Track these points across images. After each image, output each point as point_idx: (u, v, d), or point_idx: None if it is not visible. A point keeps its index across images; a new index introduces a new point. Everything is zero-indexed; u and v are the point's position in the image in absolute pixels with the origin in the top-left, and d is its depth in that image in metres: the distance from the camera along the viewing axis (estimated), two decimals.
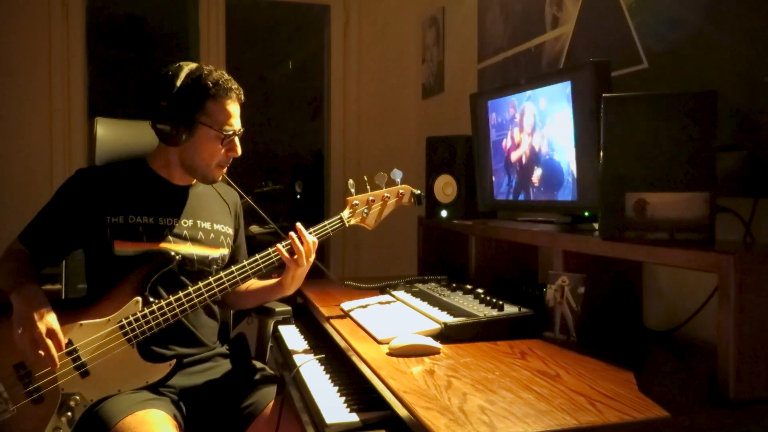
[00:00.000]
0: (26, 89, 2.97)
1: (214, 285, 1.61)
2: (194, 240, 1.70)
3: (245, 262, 1.64)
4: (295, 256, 1.64)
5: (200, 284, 1.60)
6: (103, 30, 3.55)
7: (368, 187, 1.78)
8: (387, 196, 1.79)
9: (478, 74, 2.71)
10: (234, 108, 1.66)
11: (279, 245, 1.65)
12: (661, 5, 1.65)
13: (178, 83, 1.61)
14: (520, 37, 2.37)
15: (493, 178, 2.05)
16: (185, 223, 1.71)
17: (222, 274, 1.62)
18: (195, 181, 1.76)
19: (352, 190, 1.76)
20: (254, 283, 1.84)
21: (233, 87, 1.65)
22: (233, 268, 1.63)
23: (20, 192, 2.93)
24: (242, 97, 1.69)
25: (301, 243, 1.65)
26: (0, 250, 1.68)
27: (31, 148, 2.98)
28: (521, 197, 1.92)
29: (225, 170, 1.73)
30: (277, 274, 1.77)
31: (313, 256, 1.68)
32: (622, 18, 1.78)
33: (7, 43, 2.93)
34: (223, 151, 1.66)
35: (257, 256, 1.65)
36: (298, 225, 1.67)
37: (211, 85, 1.61)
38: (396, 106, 3.50)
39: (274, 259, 1.65)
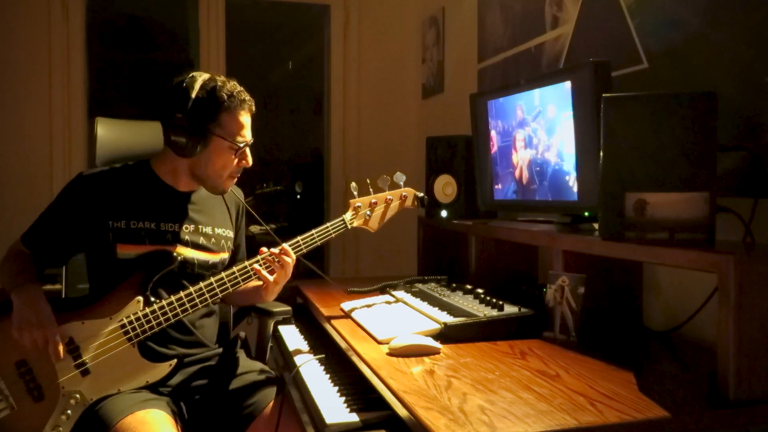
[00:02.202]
0: (26, 89, 2.97)
1: (215, 285, 1.61)
2: (195, 245, 1.71)
3: (247, 263, 1.64)
4: (274, 277, 1.63)
5: (201, 284, 1.60)
6: (103, 30, 3.56)
7: (371, 189, 1.77)
8: (390, 199, 1.79)
9: (478, 74, 2.71)
10: (246, 119, 1.66)
11: (256, 265, 1.62)
12: (661, 5, 1.65)
13: (193, 95, 1.60)
14: (520, 37, 2.37)
15: (493, 178, 2.05)
16: (187, 228, 1.71)
17: (223, 274, 1.62)
18: (199, 186, 1.76)
19: (355, 193, 1.76)
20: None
21: (246, 99, 1.65)
22: (234, 268, 1.63)
23: (20, 192, 2.93)
24: (254, 109, 1.69)
25: (280, 265, 1.63)
26: (0, 249, 1.68)
27: (31, 149, 2.98)
28: (521, 197, 1.92)
29: (235, 180, 1.73)
30: None
31: (290, 270, 1.66)
32: (622, 18, 1.78)
33: (7, 43, 2.93)
34: (235, 161, 1.67)
35: (259, 258, 1.65)
36: (285, 246, 1.65)
37: (225, 97, 1.61)
38: (396, 106, 3.50)
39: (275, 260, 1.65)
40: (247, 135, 1.66)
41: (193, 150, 1.62)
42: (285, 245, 1.65)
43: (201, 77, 1.64)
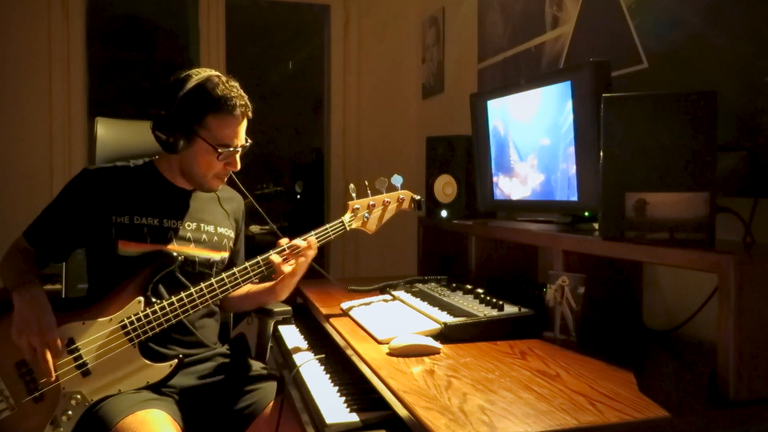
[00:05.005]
0: (26, 89, 2.97)
1: (215, 285, 1.61)
2: (197, 242, 1.71)
3: (247, 264, 1.64)
4: (291, 267, 1.64)
5: (202, 285, 1.60)
6: (103, 30, 3.56)
7: (369, 191, 1.78)
8: (387, 201, 1.79)
9: (478, 74, 2.71)
10: (235, 124, 1.62)
11: (273, 257, 1.62)
12: (661, 5, 1.65)
13: (182, 93, 1.59)
14: (520, 37, 2.37)
15: (493, 178, 2.05)
16: (189, 225, 1.71)
17: (224, 275, 1.62)
18: None
19: (353, 195, 1.76)
20: (249, 287, 1.83)
21: (238, 103, 1.61)
22: (235, 269, 1.63)
23: (20, 192, 2.93)
24: (249, 114, 1.66)
25: (299, 254, 1.63)
26: (0, 249, 1.68)
27: (31, 148, 2.98)
28: (521, 197, 1.92)
29: (224, 181, 1.72)
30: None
31: (307, 265, 1.67)
32: (622, 18, 1.78)
33: (7, 43, 2.93)
34: (221, 165, 1.65)
35: (259, 258, 1.65)
36: (297, 241, 1.65)
37: (214, 99, 1.58)
38: (396, 106, 3.50)
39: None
40: (233, 141, 1.63)
41: (174, 147, 1.62)
42: (304, 237, 1.66)
43: (198, 75, 1.62)
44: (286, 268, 1.63)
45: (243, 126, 1.66)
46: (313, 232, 1.69)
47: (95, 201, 1.64)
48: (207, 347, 1.73)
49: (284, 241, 1.65)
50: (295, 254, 1.64)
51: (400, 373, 1.24)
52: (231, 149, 1.63)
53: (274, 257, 1.63)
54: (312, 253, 1.65)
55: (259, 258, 1.65)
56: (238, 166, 1.68)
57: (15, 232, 1.70)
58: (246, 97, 1.65)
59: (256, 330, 2.01)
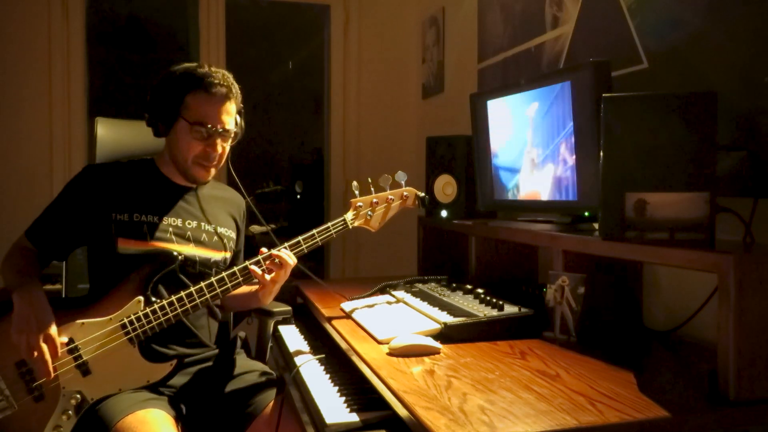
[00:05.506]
0: (26, 89, 2.97)
1: (216, 285, 1.61)
2: (197, 241, 1.71)
3: (247, 263, 1.64)
4: (272, 276, 1.62)
5: (202, 284, 1.60)
6: (103, 30, 3.56)
7: (372, 189, 1.77)
8: (391, 199, 1.78)
9: (478, 74, 2.71)
10: (214, 103, 1.62)
11: (253, 266, 1.60)
12: (661, 5, 1.65)
13: (168, 76, 1.65)
14: (520, 37, 2.37)
15: (493, 178, 2.05)
16: (189, 224, 1.71)
17: (224, 273, 1.61)
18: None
19: (356, 192, 1.75)
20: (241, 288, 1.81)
21: (215, 82, 1.61)
22: (236, 268, 1.62)
23: (20, 192, 2.93)
24: (231, 96, 1.65)
25: (280, 267, 1.61)
26: (0, 250, 1.68)
27: (31, 148, 2.98)
28: (521, 197, 1.92)
29: (210, 171, 1.70)
30: None
31: (289, 271, 1.64)
32: (622, 18, 1.78)
33: (7, 43, 2.93)
34: (200, 147, 1.64)
35: (260, 257, 1.64)
36: (283, 251, 1.63)
37: (194, 78, 1.62)
38: (396, 106, 3.50)
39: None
40: (212, 121, 1.62)
41: (157, 128, 1.67)
42: (285, 245, 1.64)
43: (187, 64, 1.67)
44: (266, 276, 1.62)
45: (225, 109, 1.64)
46: (314, 231, 1.68)
47: (96, 197, 1.65)
48: (207, 347, 1.73)
49: (264, 250, 1.63)
50: (274, 264, 1.61)
51: (400, 373, 1.24)
52: (208, 127, 1.62)
53: (252, 267, 1.60)
54: (289, 259, 1.62)
55: (260, 257, 1.64)
56: (218, 150, 1.66)
57: (15, 232, 1.70)
58: (234, 85, 1.66)
59: (256, 330, 2.01)
